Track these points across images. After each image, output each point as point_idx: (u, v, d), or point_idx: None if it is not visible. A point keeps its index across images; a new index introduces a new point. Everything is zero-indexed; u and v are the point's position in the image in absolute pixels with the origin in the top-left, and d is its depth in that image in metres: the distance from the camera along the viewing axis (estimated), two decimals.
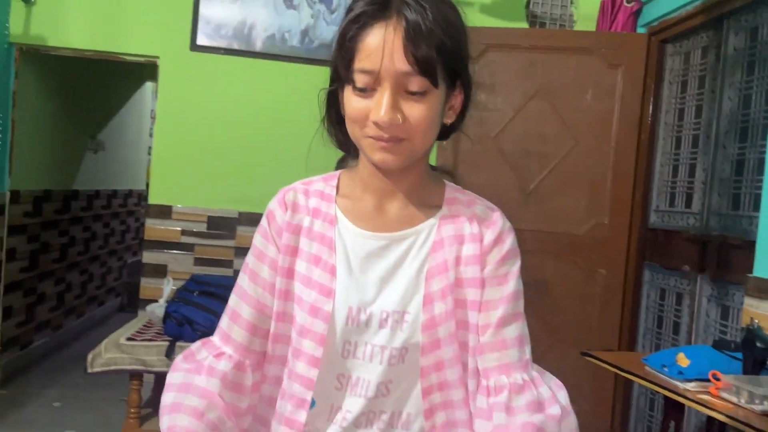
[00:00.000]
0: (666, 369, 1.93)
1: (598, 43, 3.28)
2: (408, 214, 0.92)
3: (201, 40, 3.45)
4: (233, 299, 0.95)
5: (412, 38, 0.79)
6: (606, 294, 3.30)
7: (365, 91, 0.82)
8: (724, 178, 2.75)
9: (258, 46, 3.48)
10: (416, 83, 0.81)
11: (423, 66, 0.80)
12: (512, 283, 0.91)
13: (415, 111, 0.82)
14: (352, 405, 0.90)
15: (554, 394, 0.89)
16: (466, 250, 0.91)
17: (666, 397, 2.11)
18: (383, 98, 0.81)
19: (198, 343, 0.95)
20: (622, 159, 3.29)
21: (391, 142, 0.82)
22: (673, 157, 3.16)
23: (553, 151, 3.31)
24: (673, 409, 2.18)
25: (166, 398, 0.90)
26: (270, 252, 0.93)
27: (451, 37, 0.82)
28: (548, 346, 3.24)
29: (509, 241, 0.92)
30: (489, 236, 0.91)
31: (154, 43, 3.46)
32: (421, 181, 0.94)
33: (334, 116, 0.93)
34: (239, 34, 3.47)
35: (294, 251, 0.91)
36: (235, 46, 3.47)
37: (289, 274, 0.91)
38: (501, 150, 3.32)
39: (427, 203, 0.94)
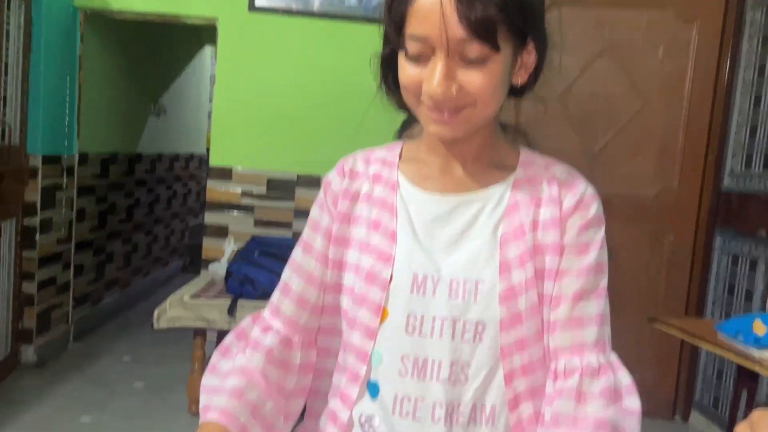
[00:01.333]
0: (741, 337, 1.85)
1: None
2: (478, 175, 0.84)
3: (260, 2, 3.44)
4: (286, 272, 0.91)
5: None
6: (673, 260, 3.18)
7: (419, 59, 0.75)
8: None
9: (316, 6, 3.44)
10: (474, 50, 0.72)
11: (480, 30, 0.71)
12: (595, 253, 0.80)
13: (474, 80, 0.74)
14: (424, 392, 0.79)
15: (634, 382, 0.79)
16: (543, 213, 0.81)
17: (739, 367, 2.02)
18: (436, 68, 0.73)
19: (248, 318, 0.91)
20: (694, 119, 3.13)
21: (449, 113, 0.75)
22: (752, 117, 2.98)
23: (620, 112, 3.18)
24: (747, 378, 2.09)
25: (208, 380, 0.86)
26: (324, 221, 0.88)
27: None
28: (612, 314, 3.16)
29: (594, 207, 0.82)
30: (570, 200, 0.82)
31: (213, 5, 3.46)
32: (491, 142, 0.85)
33: (392, 80, 0.84)
34: None
35: (350, 219, 0.87)
36: (293, 7, 3.44)
37: (344, 242, 0.86)
38: (566, 111, 3.20)
39: (500, 164, 0.85)
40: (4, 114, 2.95)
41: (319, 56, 3.46)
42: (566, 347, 0.79)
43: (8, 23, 2.94)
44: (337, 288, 0.87)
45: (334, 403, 0.87)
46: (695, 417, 3.22)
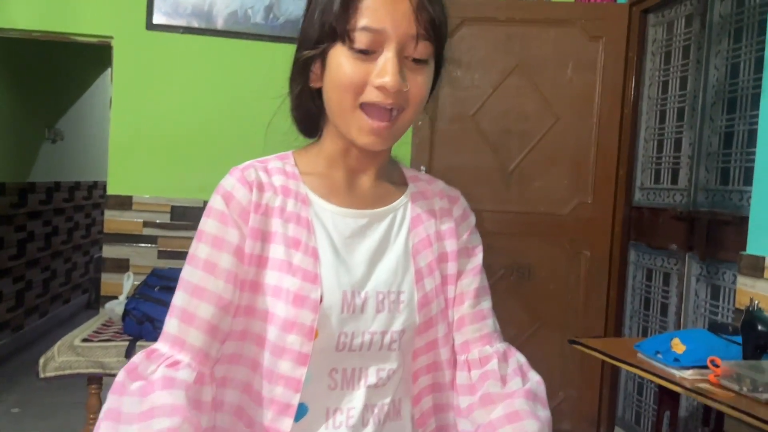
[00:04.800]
0: (660, 356, 1.80)
1: (577, 15, 3.13)
2: (381, 191, 0.87)
3: (158, 19, 3.23)
4: (182, 298, 0.78)
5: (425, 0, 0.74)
6: (591, 276, 3.17)
7: (366, 53, 0.75)
8: (712, 152, 2.62)
9: (219, 23, 3.27)
10: (422, 49, 0.76)
11: (431, 30, 0.75)
12: (480, 255, 0.91)
13: (418, 81, 0.77)
14: (354, 401, 0.82)
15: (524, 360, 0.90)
16: (442, 224, 0.89)
17: (661, 386, 1.98)
18: (389, 61, 0.74)
19: (140, 356, 0.77)
20: (605, 135, 3.15)
21: (388, 119, 0.76)
22: (658, 132, 3.03)
23: (533, 129, 3.16)
24: (669, 398, 2.05)
25: (109, 429, 0.71)
26: (231, 237, 0.78)
27: (443, 6, 0.78)
28: (533, 332, 3.11)
29: (472, 216, 0.94)
30: (457, 210, 0.91)
31: (107, 23, 3.22)
32: (388, 159, 0.90)
33: (305, 92, 0.84)
34: (199, 12, 3.25)
35: (265, 236, 0.79)
36: (195, 25, 3.25)
37: (260, 262, 0.79)
38: (479, 129, 3.16)
39: (394, 180, 0.90)
40: None
41: (222, 76, 3.28)
42: (476, 338, 0.87)
43: None
44: (250, 311, 0.79)
45: None
46: None
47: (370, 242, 0.83)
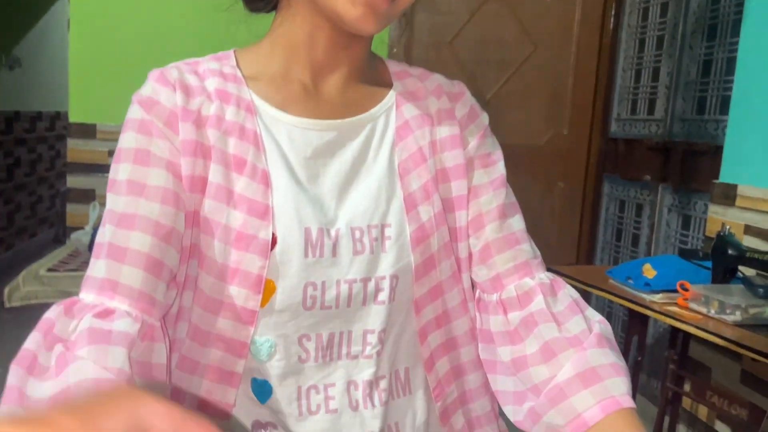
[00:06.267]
0: (631, 281, 1.81)
1: None
2: (355, 95, 0.67)
3: None
4: (107, 232, 0.58)
5: None
6: (564, 208, 3.19)
7: None
8: (690, 80, 2.59)
9: None
10: None
11: None
12: (501, 164, 0.71)
13: None
14: (334, 376, 0.64)
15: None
16: (441, 132, 0.68)
17: (630, 312, 2.01)
18: None
19: (55, 310, 0.56)
20: (583, 65, 3.10)
21: None
22: (636, 61, 2.98)
23: (511, 58, 3.09)
24: (637, 322, 2.09)
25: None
26: (159, 150, 0.59)
27: None
28: None
29: (483, 115, 0.73)
30: (461, 110, 0.70)
31: None
32: (366, 54, 0.68)
33: None
34: None
35: (199, 150, 0.60)
36: None
37: (196, 185, 0.60)
38: (457, 57, 3.08)
39: (373, 80, 0.69)
40: None
41: None
42: (510, 270, 0.67)
43: None
44: (194, 251, 0.61)
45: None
46: None
47: (340, 163, 0.64)
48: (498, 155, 0.71)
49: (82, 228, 2.90)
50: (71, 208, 3.16)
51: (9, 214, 4.44)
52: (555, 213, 3.20)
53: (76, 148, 3.14)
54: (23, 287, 2.40)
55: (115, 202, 0.59)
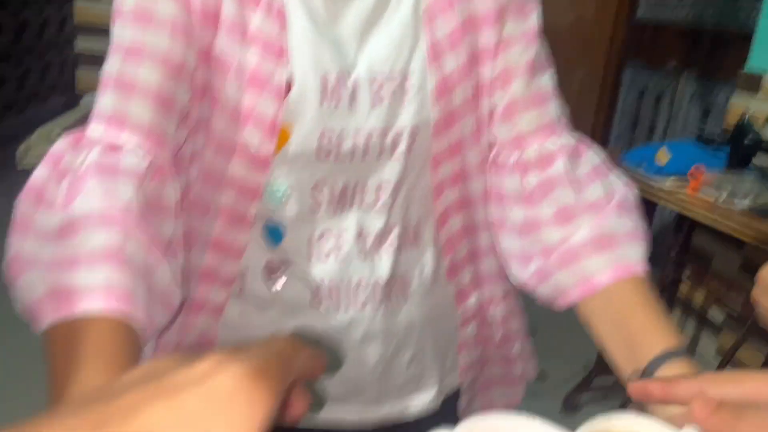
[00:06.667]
0: (645, 165, 1.80)
1: None
2: None
3: None
4: (113, 64, 0.56)
5: None
6: (582, 96, 3.11)
7: None
8: None
9: None
10: None
11: None
12: (535, 16, 0.65)
13: None
14: (346, 224, 0.64)
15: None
16: None
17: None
18: None
19: (63, 143, 0.55)
20: None
21: None
22: None
23: None
24: (644, 210, 2.10)
25: (23, 246, 0.49)
26: None
27: None
28: None
29: None
30: None
31: None
32: None
33: None
34: None
35: None
36: None
37: (208, 18, 0.57)
38: None
39: None
40: None
41: None
42: (534, 130, 0.64)
43: None
44: (206, 92, 0.59)
45: (205, 259, 0.63)
46: None
47: (362, 5, 0.59)
48: (533, 5, 0.65)
49: (93, 92, 2.87)
50: (81, 74, 3.11)
51: (19, 79, 4.40)
52: (571, 101, 3.13)
53: (84, 8, 3.04)
54: (36, 148, 2.41)
55: (121, 33, 0.56)
